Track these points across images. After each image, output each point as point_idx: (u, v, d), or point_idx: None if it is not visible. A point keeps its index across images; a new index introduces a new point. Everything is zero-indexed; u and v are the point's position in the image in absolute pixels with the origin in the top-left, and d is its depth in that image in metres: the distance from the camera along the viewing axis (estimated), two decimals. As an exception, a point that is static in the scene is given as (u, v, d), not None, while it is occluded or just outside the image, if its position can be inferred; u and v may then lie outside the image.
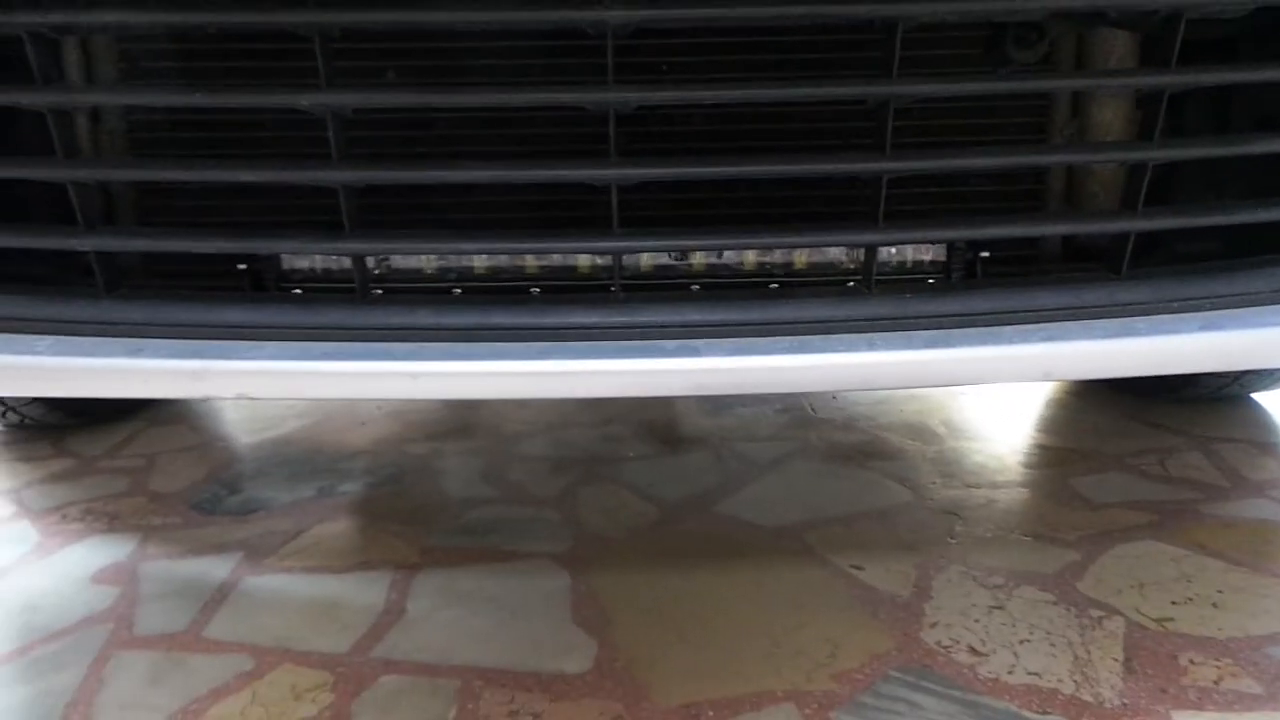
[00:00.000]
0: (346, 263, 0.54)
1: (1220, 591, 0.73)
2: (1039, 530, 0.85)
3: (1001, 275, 0.54)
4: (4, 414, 1.09)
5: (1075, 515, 0.88)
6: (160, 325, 0.47)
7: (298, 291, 0.56)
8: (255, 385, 0.46)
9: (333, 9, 0.46)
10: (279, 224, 0.54)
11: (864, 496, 0.93)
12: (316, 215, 0.51)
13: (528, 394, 0.49)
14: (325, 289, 0.56)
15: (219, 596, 0.75)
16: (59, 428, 1.17)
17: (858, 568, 0.78)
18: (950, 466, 1.00)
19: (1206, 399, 1.20)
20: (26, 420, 1.12)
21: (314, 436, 1.15)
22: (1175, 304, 0.46)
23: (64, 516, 0.92)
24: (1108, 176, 0.58)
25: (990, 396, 1.25)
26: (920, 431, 1.12)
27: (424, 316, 0.46)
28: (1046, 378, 0.47)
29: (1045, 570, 0.77)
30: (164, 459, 1.08)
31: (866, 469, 1.00)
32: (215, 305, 0.49)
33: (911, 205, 0.54)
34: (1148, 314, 0.46)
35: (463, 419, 1.20)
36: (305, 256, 0.56)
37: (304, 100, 0.46)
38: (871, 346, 0.43)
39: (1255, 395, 1.23)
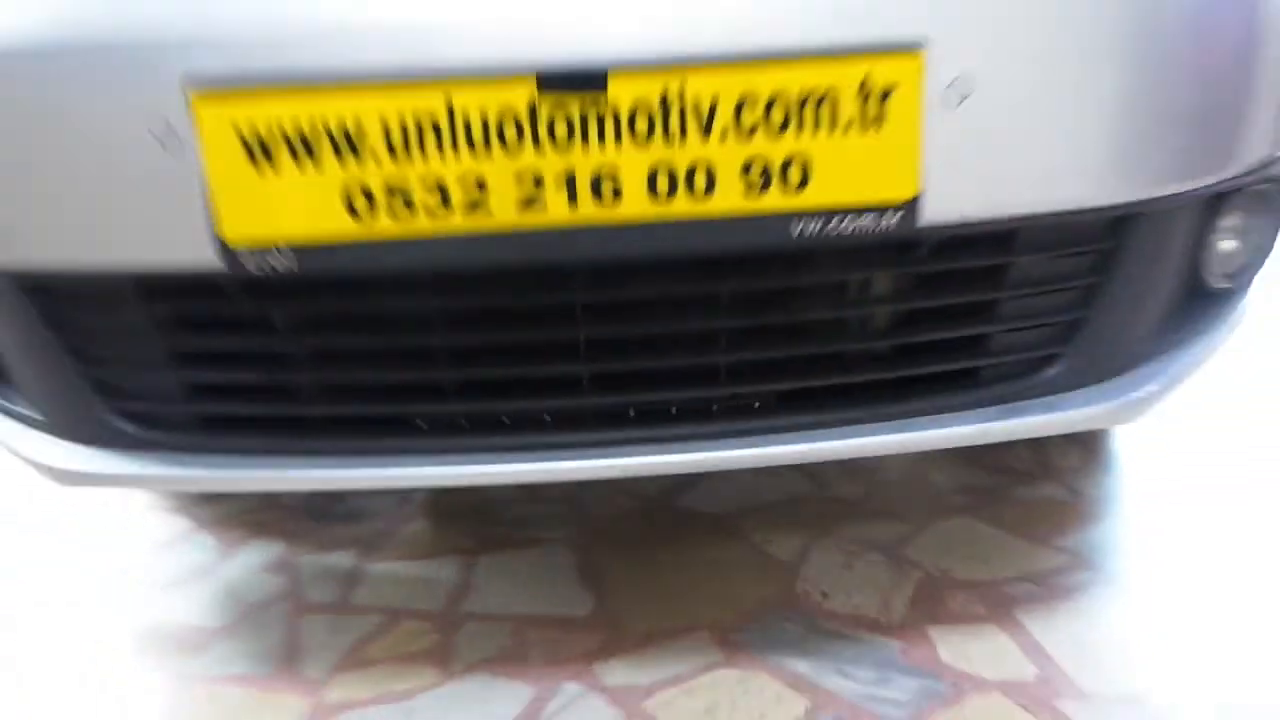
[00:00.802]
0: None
1: (994, 551, 1.14)
2: (891, 510, 1.25)
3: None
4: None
5: (920, 498, 1.29)
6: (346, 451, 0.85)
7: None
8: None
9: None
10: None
11: (783, 489, 1.34)
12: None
13: (543, 479, 0.85)
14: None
15: (352, 578, 1.17)
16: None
17: (767, 541, 1.19)
18: (847, 466, 1.41)
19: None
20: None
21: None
22: (901, 413, 0.85)
23: (229, 527, 1.34)
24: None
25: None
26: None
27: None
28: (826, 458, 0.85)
29: (886, 539, 1.18)
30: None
31: (790, 470, 1.41)
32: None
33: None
34: (887, 420, 0.84)
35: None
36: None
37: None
38: (718, 449, 0.82)
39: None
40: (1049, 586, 1.05)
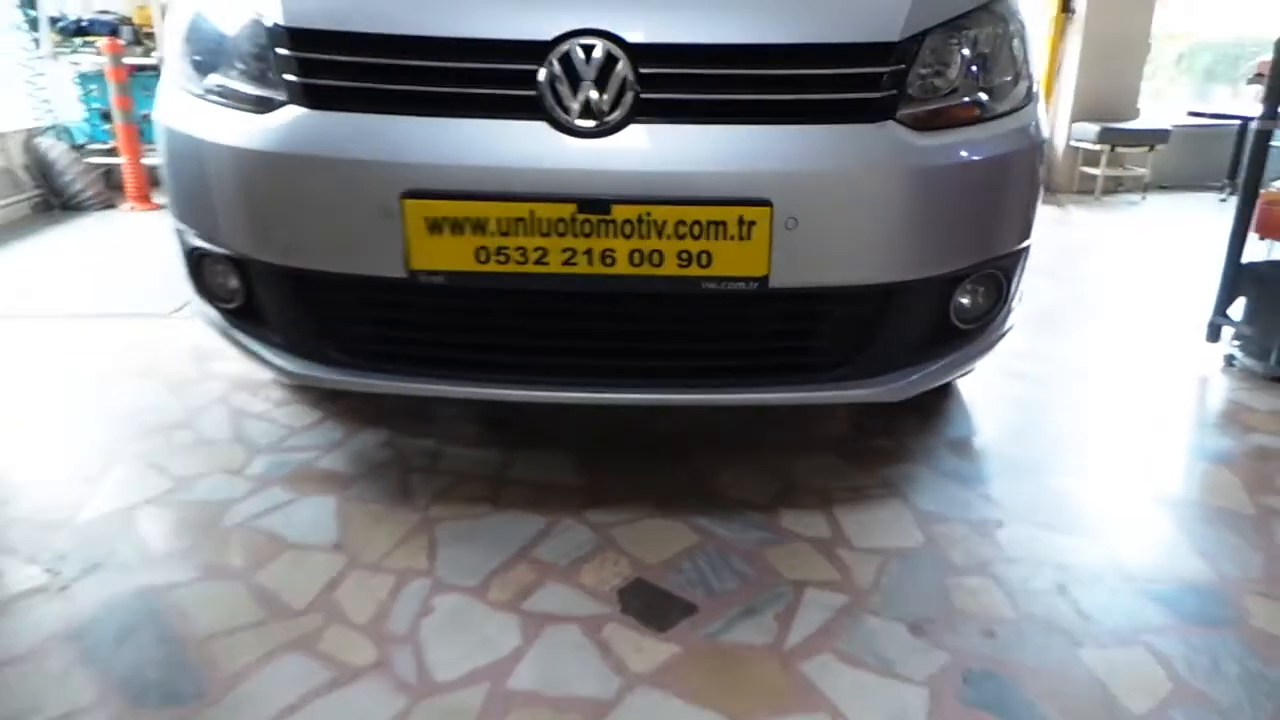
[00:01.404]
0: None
1: (836, 473, 1.81)
2: (785, 448, 1.92)
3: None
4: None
5: (805, 441, 1.95)
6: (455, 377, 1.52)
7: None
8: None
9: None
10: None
11: (725, 427, 2.01)
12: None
13: (560, 402, 1.53)
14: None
15: (435, 454, 1.85)
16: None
17: (703, 457, 1.87)
18: (771, 419, 2.07)
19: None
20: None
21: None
22: (763, 384, 1.51)
23: (352, 419, 2.02)
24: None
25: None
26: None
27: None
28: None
29: (774, 462, 1.85)
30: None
31: (732, 419, 2.07)
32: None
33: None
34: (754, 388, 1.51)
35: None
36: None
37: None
38: (652, 392, 1.49)
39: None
40: (860, 495, 1.72)
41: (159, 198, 4.49)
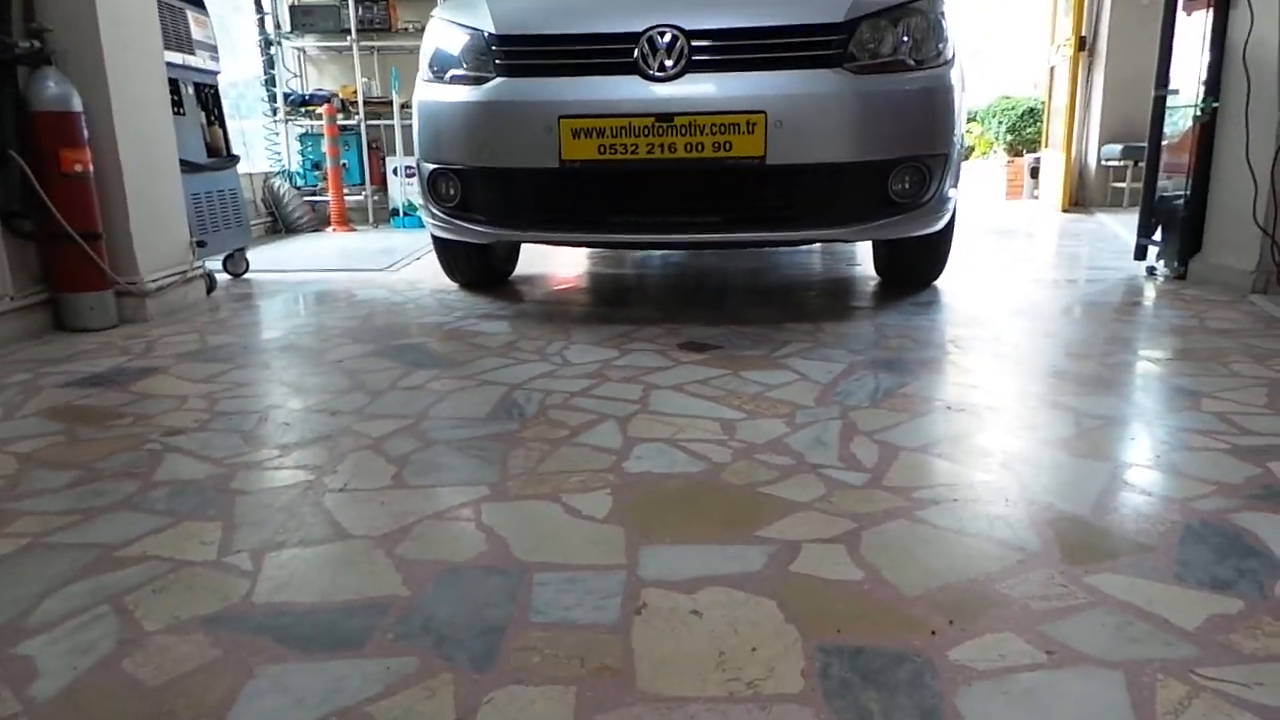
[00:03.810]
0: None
1: (844, 341, 2.72)
2: (820, 317, 2.85)
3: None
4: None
5: (844, 329, 2.87)
6: (583, 229, 2.55)
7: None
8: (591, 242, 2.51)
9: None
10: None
11: (773, 319, 2.95)
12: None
13: (652, 245, 2.52)
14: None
15: (560, 338, 2.88)
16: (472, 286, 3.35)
17: (761, 320, 2.81)
18: (812, 320, 3.00)
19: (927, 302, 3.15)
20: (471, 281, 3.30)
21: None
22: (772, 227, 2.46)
23: (482, 314, 3.07)
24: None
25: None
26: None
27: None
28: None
29: (804, 330, 2.78)
30: (500, 304, 3.23)
31: (780, 311, 3.02)
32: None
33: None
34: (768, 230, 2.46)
35: (644, 275, 3.30)
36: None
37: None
38: (709, 234, 2.45)
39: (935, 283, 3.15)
40: (843, 317, 2.62)
41: (355, 222, 5.84)
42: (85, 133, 2.52)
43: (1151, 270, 3.16)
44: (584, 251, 4.28)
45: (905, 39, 2.44)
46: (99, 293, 2.59)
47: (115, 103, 2.62)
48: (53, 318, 2.60)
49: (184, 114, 3.28)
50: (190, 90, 3.41)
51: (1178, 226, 3.06)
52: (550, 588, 1.05)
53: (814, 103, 2.34)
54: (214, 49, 3.61)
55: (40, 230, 2.50)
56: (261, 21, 5.86)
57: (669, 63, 2.36)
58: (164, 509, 1.31)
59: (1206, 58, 2.99)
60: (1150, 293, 2.98)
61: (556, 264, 3.88)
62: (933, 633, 0.93)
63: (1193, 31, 3.17)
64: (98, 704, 0.86)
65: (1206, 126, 2.99)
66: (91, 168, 2.56)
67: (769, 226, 2.46)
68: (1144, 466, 1.42)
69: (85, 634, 0.98)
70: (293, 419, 1.75)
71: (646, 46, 2.37)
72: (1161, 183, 3.21)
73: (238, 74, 5.88)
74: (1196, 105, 3.02)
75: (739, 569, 1.09)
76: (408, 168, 5.69)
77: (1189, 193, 3.02)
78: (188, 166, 3.14)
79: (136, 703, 0.85)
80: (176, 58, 3.21)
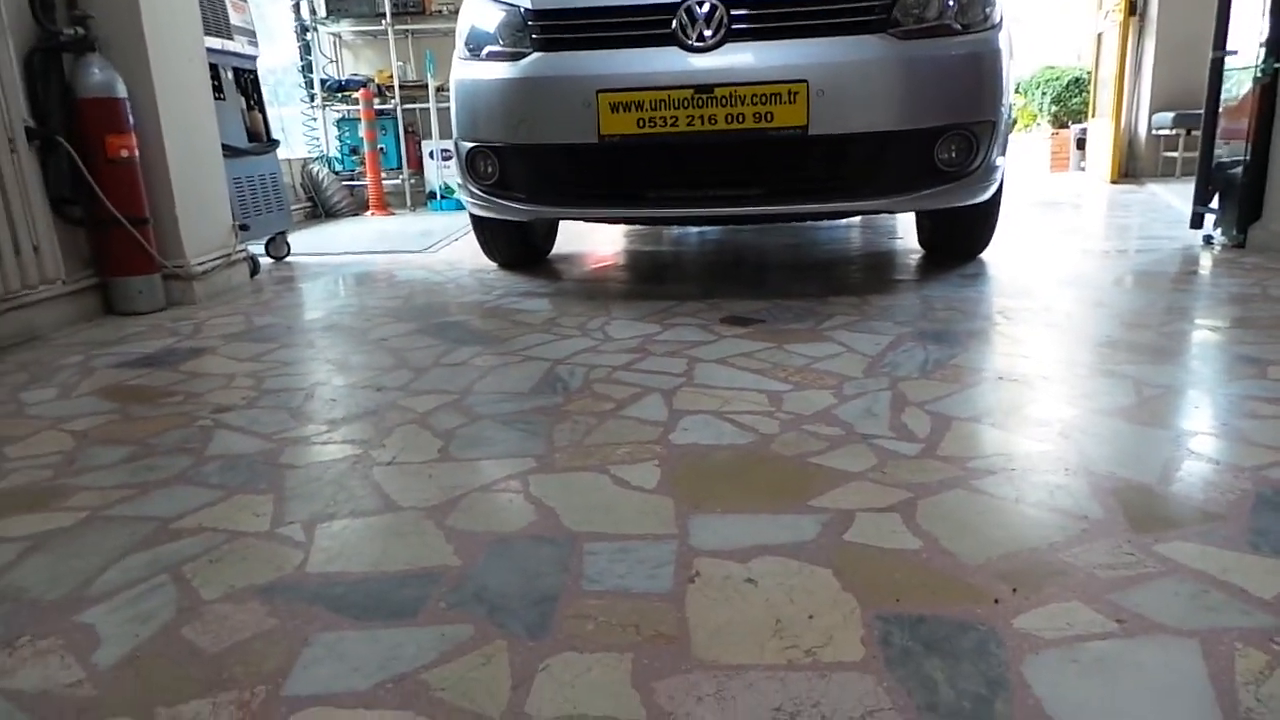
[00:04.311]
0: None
1: (888, 312, 2.67)
2: (859, 290, 2.80)
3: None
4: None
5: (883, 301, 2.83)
6: (621, 205, 2.53)
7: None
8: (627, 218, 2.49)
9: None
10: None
11: (814, 294, 2.91)
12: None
13: (692, 220, 2.49)
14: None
15: (599, 314, 2.86)
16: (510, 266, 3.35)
17: (802, 294, 2.78)
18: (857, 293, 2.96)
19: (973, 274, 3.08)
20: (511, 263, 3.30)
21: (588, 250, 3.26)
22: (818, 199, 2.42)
23: (523, 293, 3.06)
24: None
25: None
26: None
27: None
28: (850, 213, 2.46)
29: (846, 308, 2.73)
30: (537, 283, 3.22)
31: (821, 284, 2.98)
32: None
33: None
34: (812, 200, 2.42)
35: (680, 250, 3.28)
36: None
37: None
38: (749, 207, 2.41)
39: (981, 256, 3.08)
40: (887, 290, 2.57)
41: (393, 206, 5.87)
42: (130, 119, 2.55)
43: (1209, 239, 3.06)
44: (622, 229, 4.26)
45: (951, 2, 2.38)
46: (147, 276, 2.63)
47: (158, 88, 2.65)
48: (102, 301, 2.64)
49: (224, 99, 3.31)
50: (230, 75, 3.44)
51: (1236, 193, 2.96)
52: (602, 557, 1.04)
53: (857, 70, 2.29)
54: (252, 34, 3.64)
55: (89, 216, 2.54)
56: (297, 7, 5.89)
57: (708, 33, 2.32)
58: (216, 483, 1.32)
59: (1268, 18, 2.87)
60: (1207, 261, 2.89)
61: (594, 242, 3.86)
62: (996, 601, 0.91)
63: (1251, -10, 3.05)
64: (159, 670, 0.86)
65: (1267, 89, 2.88)
66: (137, 153, 2.59)
67: (812, 198, 2.42)
68: (1209, 435, 1.37)
69: (145, 603, 0.99)
70: (338, 395, 1.76)
71: (685, 17, 2.34)
72: (1218, 149, 3.10)
73: (275, 61, 5.92)
74: (1256, 67, 2.91)
75: (792, 538, 1.07)
76: (444, 151, 5.70)
77: (1248, 158, 2.92)
78: (229, 151, 3.17)
79: (197, 668, 0.86)
80: (216, 43, 3.23)
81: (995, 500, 1.15)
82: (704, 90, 2.30)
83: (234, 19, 3.45)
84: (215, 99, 3.07)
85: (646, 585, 0.97)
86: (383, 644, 0.89)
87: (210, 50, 3.08)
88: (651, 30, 2.37)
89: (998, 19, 2.47)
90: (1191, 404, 1.52)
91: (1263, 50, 2.89)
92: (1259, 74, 2.89)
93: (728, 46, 2.33)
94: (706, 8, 2.32)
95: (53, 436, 1.57)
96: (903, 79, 2.30)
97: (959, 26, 2.38)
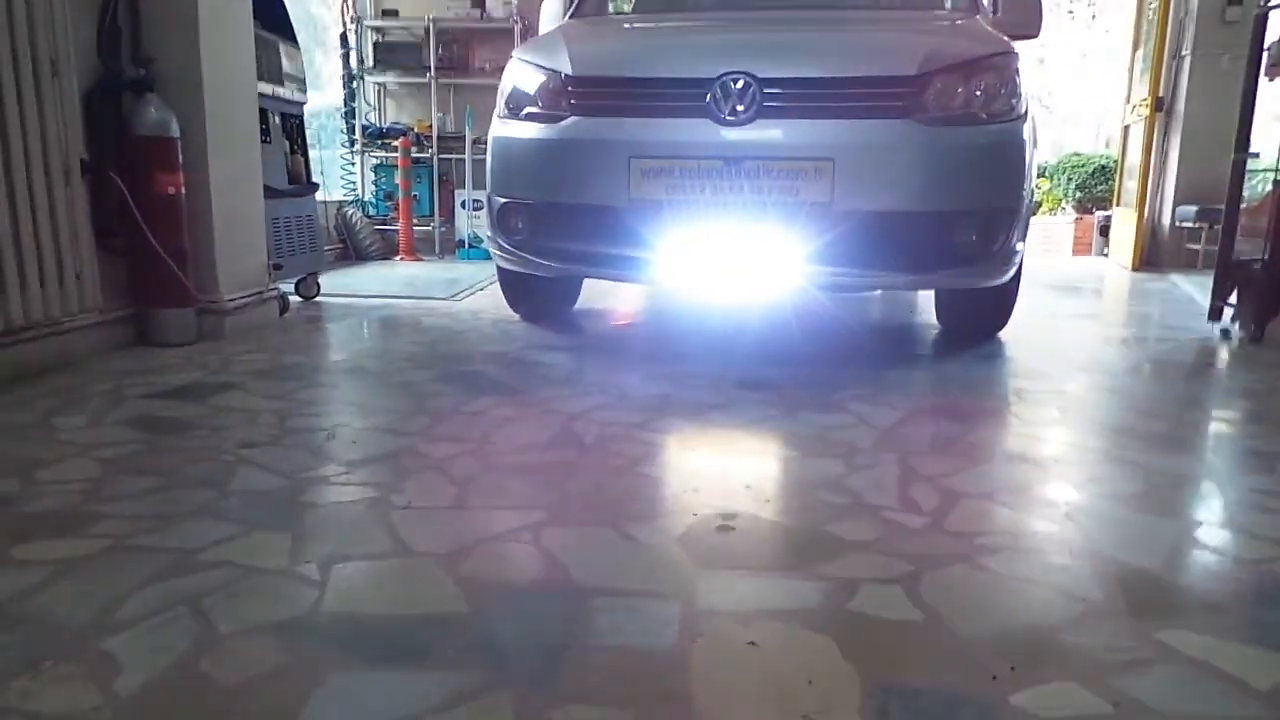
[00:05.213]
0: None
1: (920, 379, 2.70)
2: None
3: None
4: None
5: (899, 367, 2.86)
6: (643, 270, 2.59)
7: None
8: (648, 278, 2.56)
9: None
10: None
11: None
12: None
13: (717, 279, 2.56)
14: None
15: (591, 351, 2.91)
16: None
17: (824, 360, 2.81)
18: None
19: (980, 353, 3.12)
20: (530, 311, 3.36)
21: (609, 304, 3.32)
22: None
23: (536, 345, 3.12)
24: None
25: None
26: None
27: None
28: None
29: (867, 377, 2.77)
30: (557, 326, 3.28)
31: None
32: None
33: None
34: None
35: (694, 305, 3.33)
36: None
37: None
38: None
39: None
40: (903, 364, 2.60)
41: (422, 252, 5.99)
42: (180, 157, 2.66)
43: (1226, 332, 3.08)
44: (645, 289, 4.33)
45: (978, 93, 2.45)
46: (182, 310, 2.71)
47: (210, 130, 2.76)
48: (136, 332, 2.72)
49: (270, 142, 3.43)
50: (277, 119, 3.57)
51: (1255, 289, 2.98)
52: (608, 612, 1.07)
53: (884, 152, 2.36)
54: (302, 81, 3.78)
55: (131, 248, 2.63)
56: (346, 56, 6.11)
57: (740, 108, 2.40)
58: (238, 518, 1.36)
59: (1287, 119, 2.93)
60: (1224, 355, 2.90)
61: (617, 300, 3.93)
62: (994, 678, 0.92)
63: (1273, 96, 3.13)
64: (176, 700, 0.89)
65: (1286, 188, 2.93)
66: (183, 191, 2.69)
67: (834, 272, 2.47)
68: (1215, 525, 1.38)
69: (164, 633, 1.02)
70: (359, 437, 1.80)
71: (719, 91, 2.42)
72: (1239, 245, 3.14)
73: (319, 104, 6.13)
74: (1277, 169, 2.96)
75: (795, 604, 1.09)
76: (476, 201, 5.83)
77: (1267, 255, 2.95)
78: (270, 192, 3.28)
79: (214, 701, 0.89)
80: (267, 88, 3.37)
81: (999, 577, 1.17)
82: (733, 162, 2.37)
83: (286, 66, 3.60)
84: (262, 142, 3.19)
85: (651, 642, 0.99)
86: (392, 688, 0.91)
87: (261, 95, 3.21)
88: (686, 102, 2.45)
89: (1023, 110, 2.54)
90: (1199, 494, 1.54)
91: (1283, 151, 2.94)
92: (1279, 176, 2.95)
93: (759, 122, 2.41)
94: (741, 84, 2.41)
95: (82, 463, 1.61)
96: (927, 164, 2.37)
97: (985, 116, 2.45)
